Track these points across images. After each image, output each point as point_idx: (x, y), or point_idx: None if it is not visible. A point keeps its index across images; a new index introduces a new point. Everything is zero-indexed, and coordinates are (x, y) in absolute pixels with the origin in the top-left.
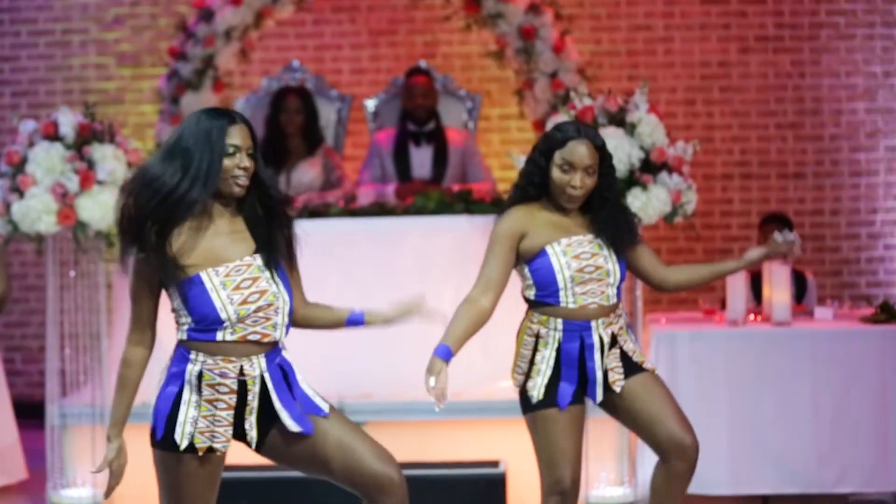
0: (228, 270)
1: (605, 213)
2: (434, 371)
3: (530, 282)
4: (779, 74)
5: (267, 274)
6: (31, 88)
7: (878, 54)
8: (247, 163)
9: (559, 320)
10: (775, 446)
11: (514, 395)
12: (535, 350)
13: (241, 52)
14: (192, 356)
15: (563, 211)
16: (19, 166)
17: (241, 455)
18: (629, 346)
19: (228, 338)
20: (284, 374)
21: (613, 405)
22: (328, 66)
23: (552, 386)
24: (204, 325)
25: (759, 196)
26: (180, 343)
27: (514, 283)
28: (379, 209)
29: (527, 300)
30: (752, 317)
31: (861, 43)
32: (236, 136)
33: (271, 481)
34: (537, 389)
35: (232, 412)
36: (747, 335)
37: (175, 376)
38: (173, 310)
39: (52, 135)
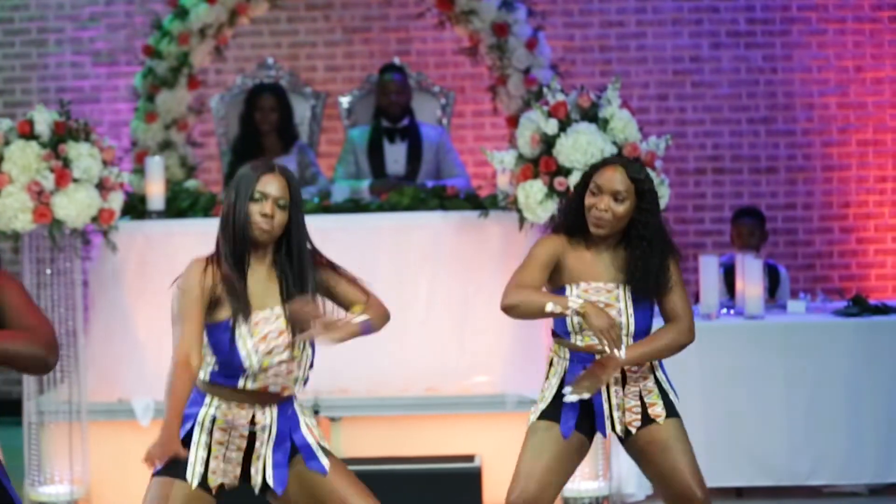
0: (258, 319)
1: (639, 253)
2: None
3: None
4: (751, 69)
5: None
6: (6, 87)
7: (849, 49)
8: (268, 210)
9: (567, 350)
10: (749, 439)
11: (489, 389)
12: (546, 377)
13: (216, 49)
14: (208, 400)
15: (599, 249)
16: None
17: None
18: (648, 392)
19: (249, 386)
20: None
21: (629, 446)
22: (302, 63)
23: (553, 409)
24: (227, 371)
25: (731, 190)
26: (198, 384)
27: (499, 274)
28: (353, 205)
29: (552, 330)
30: (725, 310)
31: (833, 38)
32: (266, 184)
33: None
34: (534, 415)
35: (241, 455)
36: (720, 328)
37: (187, 417)
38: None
39: (28, 133)
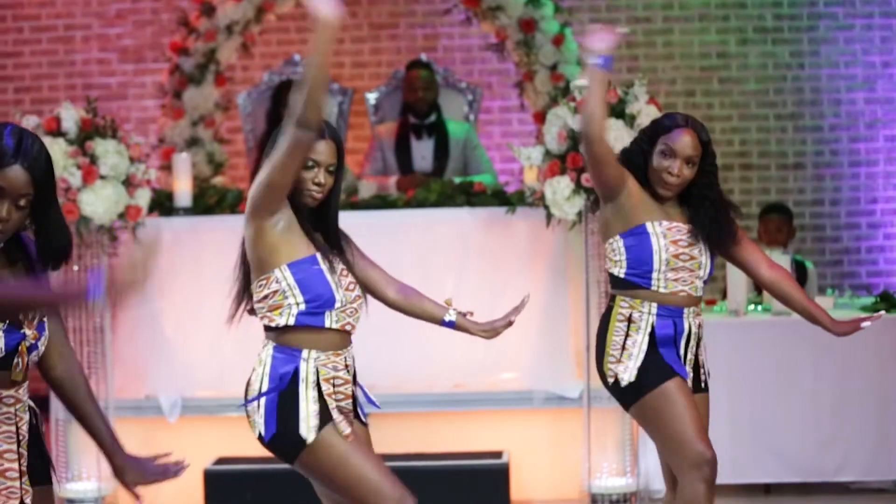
0: (328, 263)
1: (704, 211)
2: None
3: (621, 257)
4: (778, 65)
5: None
6: (33, 84)
7: (876, 44)
8: (321, 179)
9: (653, 304)
10: (776, 435)
11: (517, 385)
12: (626, 335)
13: (243, 46)
14: (304, 355)
15: (659, 199)
16: None
17: (243, 448)
18: (703, 354)
19: (333, 325)
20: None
21: None
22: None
23: (653, 369)
24: (315, 307)
25: (759, 186)
26: (281, 343)
27: (526, 270)
28: (380, 202)
29: (613, 281)
30: (752, 306)
31: (860, 33)
32: (319, 152)
33: (273, 473)
34: (629, 372)
35: (350, 401)
36: (748, 325)
37: (284, 378)
38: (265, 297)
39: (55, 130)
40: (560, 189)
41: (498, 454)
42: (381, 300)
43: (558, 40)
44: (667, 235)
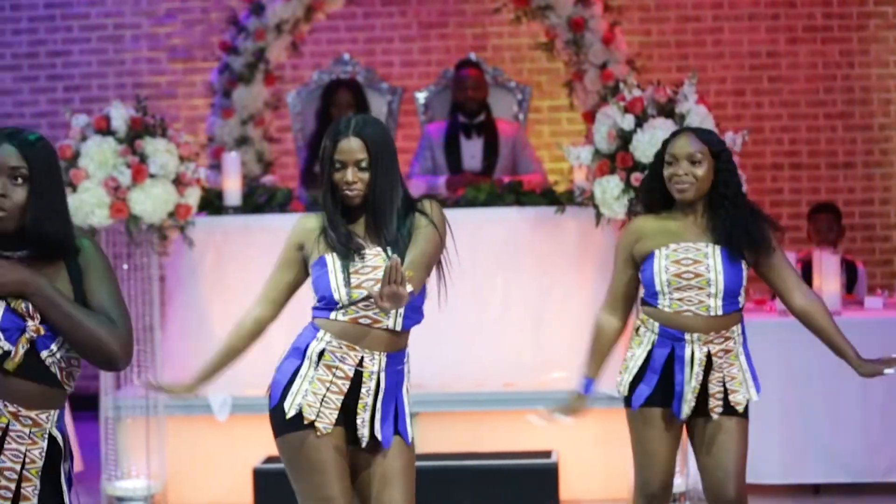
0: (344, 261)
1: (724, 212)
2: (572, 410)
3: (640, 282)
4: (828, 64)
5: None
6: (83, 83)
7: None
8: (350, 177)
9: (657, 323)
10: (825, 435)
11: (566, 385)
12: (629, 347)
13: (292, 45)
14: (320, 335)
15: (685, 216)
16: (72, 160)
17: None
18: (731, 379)
19: (340, 318)
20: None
21: (693, 428)
22: (379, 58)
23: (634, 387)
24: (323, 304)
25: (808, 186)
26: (313, 321)
27: (575, 270)
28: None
29: (641, 298)
30: None
31: None
32: (341, 151)
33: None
34: (623, 385)
35: (341, 398)
36: (797, 325)
37: (298, 350)
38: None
39: (105, 129)
40: (609, 188)
41: (547, 454)
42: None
43: (608, 39)
44: (669, 257)
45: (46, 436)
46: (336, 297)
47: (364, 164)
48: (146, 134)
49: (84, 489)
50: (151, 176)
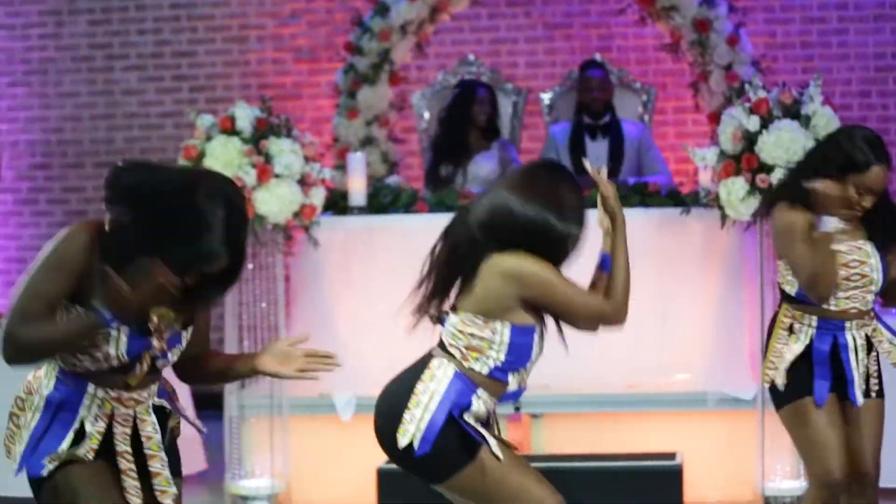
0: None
1: (877, 214)
2: None
3: (794, 280)
4: None
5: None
6: (208, 83)
7: None
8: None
9: (814, 318)
10: None
11: (690, 387)
12: (786, 344)
13: (417, 46)
14: (479, 392)
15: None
16: (197, 160)
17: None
18: (886, 353)
19: (511, 382)
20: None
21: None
22: (504, 59)
23: (804, 379)
24: (510, 366)
25: None
26: (464, 372)
27: (700, 271)
28: None
29: (784, 294)
30: None
31: None
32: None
33: None
34: (780, 379)
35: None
36: None
37: (457, 406)
38: (471, 335)
39: (230, 129)
40: (735, 190)
41: (671, 455)
42: None
43: (733, 40)
44: (839, 259)
45: (151, 410)
46: (528, 365)
47: None
48: (271, 134)
49: (208, 488)
50: (276, 176)
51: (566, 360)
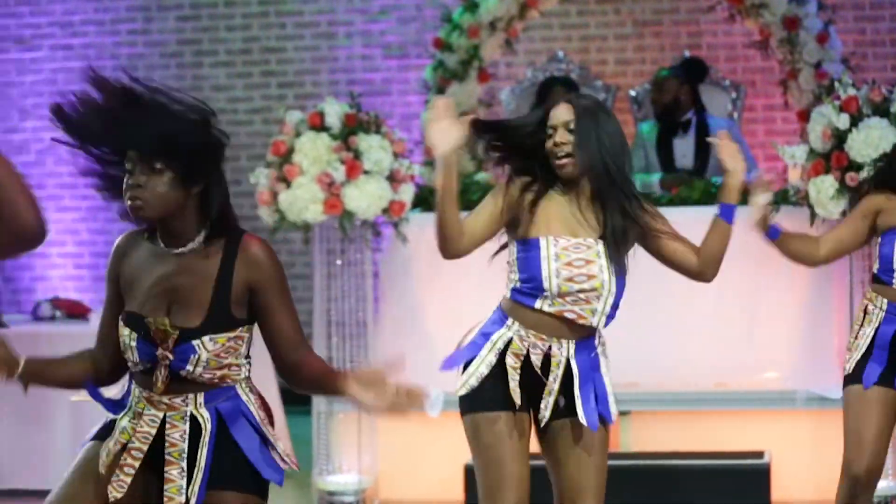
0: (568, 245)
1: None
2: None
3: (876, 254)
4: None
5: (603, 261)
6: (297, 80)
7: None
8: (558, 138)
9: (885, 300)
10: None
11: (779, 385)
12: (861, 326)
13: (506, 42)
14: (509, 322)
15: None
16: (286, 156)
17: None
18: None
19: (546, 308)
20: (593, 365)
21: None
22: (593, 56)
23: (863, 363)
24: (528, 288)
25: None
26: (502, 304)
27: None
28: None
29: (872, 275)
30: None
31: None
32: (553, 117)
33: None
34: (849, 363)
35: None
36: None
37: (485, 336)
38: (508, 262)
39: (319, 125)
40: (824, 188)
41: (759, 454)
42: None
43: (822, 38)
44: None
45: (187, 418)
46: (546, 285)
47: (571, 127)
48: (360, 130)
49: (295, 483)
50: (365, 172)
51: (655, 358)
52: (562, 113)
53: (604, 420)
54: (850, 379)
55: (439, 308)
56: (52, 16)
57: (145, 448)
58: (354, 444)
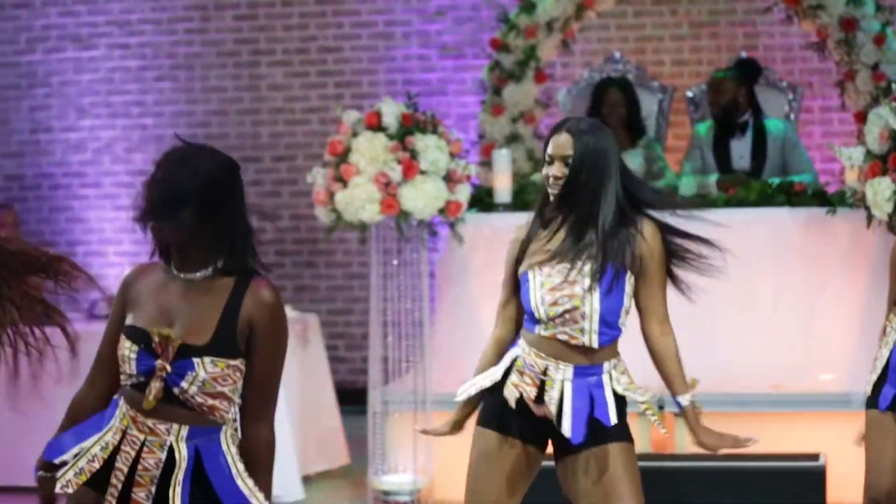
0: (552, 271)
1: None
2: None
3: None
4: None
5: (586, 281)
6: (354, 79)
7: None
8: (555, 171)
9: None
10: None
11: (835, 387)
12: (880, 346)
13: (563, 43)
14: (521, 343)
15: None
16: (343, 156)
17: None
18: None
19: (543, 333)
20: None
21: None
22: (649, 57)
23: (880, 386)
24: (530, 317)
25: None
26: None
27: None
28: (700, 200)
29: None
30: None
31: None
32: (553, 146)
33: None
34: (868, 385)
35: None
36: None
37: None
38: None
39: (376, 125)
40: (881, 190)
41: (815, 456)
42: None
43: (879, 39)
44: None
45: (166, 448)
46: (537, 315)
47: (569, 161)
48: (417, 130)
49: (350, 483)
50: (422, 172)
51: (711, 359)
52: (563, 145)
53: (611, 435)
54: (869, 402)
55: (495, 308)
56: (110, 14)
57: (125, 468)
58: (410, 444)
